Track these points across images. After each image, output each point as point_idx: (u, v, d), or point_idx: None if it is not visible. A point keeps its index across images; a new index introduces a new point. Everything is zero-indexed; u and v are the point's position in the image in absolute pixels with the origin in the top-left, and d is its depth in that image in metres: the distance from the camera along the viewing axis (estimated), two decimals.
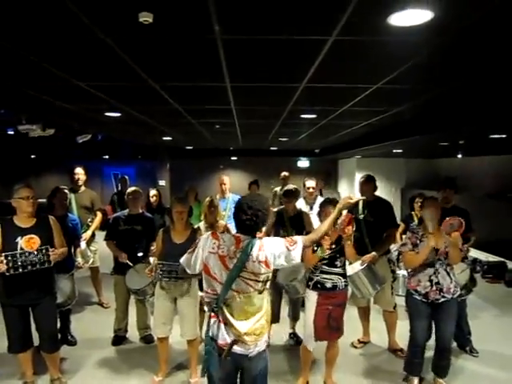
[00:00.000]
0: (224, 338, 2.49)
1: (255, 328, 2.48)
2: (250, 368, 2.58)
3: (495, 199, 8.52)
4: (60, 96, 4.63)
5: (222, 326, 2.48)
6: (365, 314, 4.84)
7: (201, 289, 3.97)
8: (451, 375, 3.94)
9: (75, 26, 2.40)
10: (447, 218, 3.56)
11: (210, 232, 2.69)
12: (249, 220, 2.49)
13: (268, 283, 2.59)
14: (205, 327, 4.60)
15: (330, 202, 3.77)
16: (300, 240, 2.59)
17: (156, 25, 2.27)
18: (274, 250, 2.52)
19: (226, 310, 2.47)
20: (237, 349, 2.50)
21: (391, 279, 4.58)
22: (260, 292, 2.53)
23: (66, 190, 4.95)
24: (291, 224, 4.55)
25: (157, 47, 2.83)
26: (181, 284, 3.79)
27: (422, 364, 3.83)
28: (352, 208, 4.79)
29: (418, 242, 3.70)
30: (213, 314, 2.54)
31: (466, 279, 4.30)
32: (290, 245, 2.55)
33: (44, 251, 3.43)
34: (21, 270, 3.33)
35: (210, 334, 2.56)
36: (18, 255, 3.32)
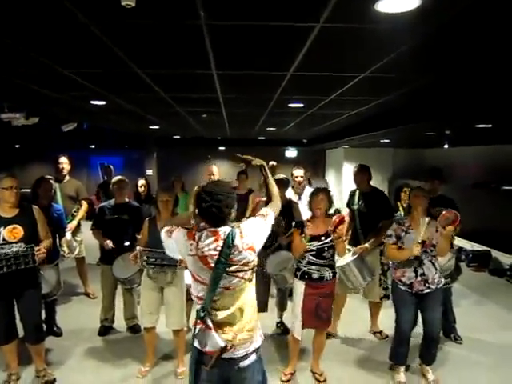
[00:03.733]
0: (213, 344, 2.23)
1: (245, 322, 2.32)
2: (240, 381, 2.35)
3: (480, 189, 8.61)
4: (43, 83, 4.53)
5: (212, 332, 2.23)
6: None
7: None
8: (436, 362, 4.00)
9: (55, 10, 2.32)
10: (444, 212, 3.55)
11: (185, 230, 2.41)
12: (210, 207, 2.27)
13: (255, 268, 2.40)
14: (192, 317, 4.66)
15: (321, 191, 3.77)
16: (270, 210, 2.56)
17: (139, 9, 2.20)
18: (255, 231, 2.38)
19: (214, 313, 2.27)
20: (225, 356, 2.26)
21: (379, 271, 4.60)
22: (250, 280, 2.37)
23: (51, 180, 4.87)
24: (281, 213, 4.53)
25: (140, 33, 2.76)
26: (165, 273, 3.77)
27: (408, 353, 3.87)
28: (348, 200, 4.83)
29: (403, 234, 3.70)
30: (199, 320, 2.28)
31: (451, 268, 4.34)
32: (265, 217, 2.49)
33: (29, 250, 3.38)
34: (4, 267, 3.29)
35: (197, 343, 2.31)
36: None
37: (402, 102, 5.34)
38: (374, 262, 4.46)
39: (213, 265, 2.24)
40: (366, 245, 4.34)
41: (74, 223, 5.59)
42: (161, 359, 4.21)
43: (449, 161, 9.70)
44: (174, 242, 2.42)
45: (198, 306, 2.33)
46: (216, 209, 2.28)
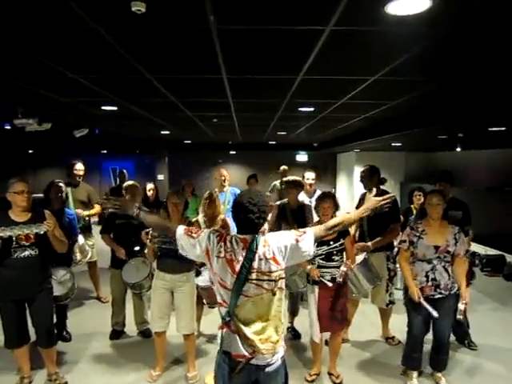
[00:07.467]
0: (239, 349, 2.27)
1: (270, 334, 2.30)
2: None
3: (494, 193, 8.50)
4: (56, 89, 4.59)
5: (237, 336, 2.27)
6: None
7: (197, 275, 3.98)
8: (450, 369, 3.94)
9: (67, 17, 2.36)
10: None
11: (215, 232, 2.39)
12: (257, 218, 2.29)
13: (281, 282, 2.36)
14: (203, 321, 4.66)
15: (327, 197, 3.75)
16: (310, 230, 2.40)
17: (149, 14, 2.22)
18: (280, 244, 2.31)
19: (238, 319, 2.28)
20: (252, 361, 2.29)
21: (386, 277, 4.51)
22: (273, 293, 2.32)
23: (60, 184, 4.90)
24: (293, 217, 4.51)
25: (151, 38, 2.79)
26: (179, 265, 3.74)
27: (421, 358, 3.82)
28: (357, 204, 4.78)
29: (416, 239, 3.66)
30: (224, 324, 2.30)
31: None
32: (299, 236, 2.34)
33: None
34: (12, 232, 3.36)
35: (224, 346, 2.33)
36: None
37: (413, 105, 5.30)
38: (380, 268, 4.40)
39: (238, 270, 2.26)
40: (369, 243, 4.29)
41: (85, 213, 5.60)
42: (171, 364, 4.20)
43: (462, 164, 9.62)
44: (198, 242, 2.36)
45: (223, 311, 2.33)
46: (262, 220, 2.32)
